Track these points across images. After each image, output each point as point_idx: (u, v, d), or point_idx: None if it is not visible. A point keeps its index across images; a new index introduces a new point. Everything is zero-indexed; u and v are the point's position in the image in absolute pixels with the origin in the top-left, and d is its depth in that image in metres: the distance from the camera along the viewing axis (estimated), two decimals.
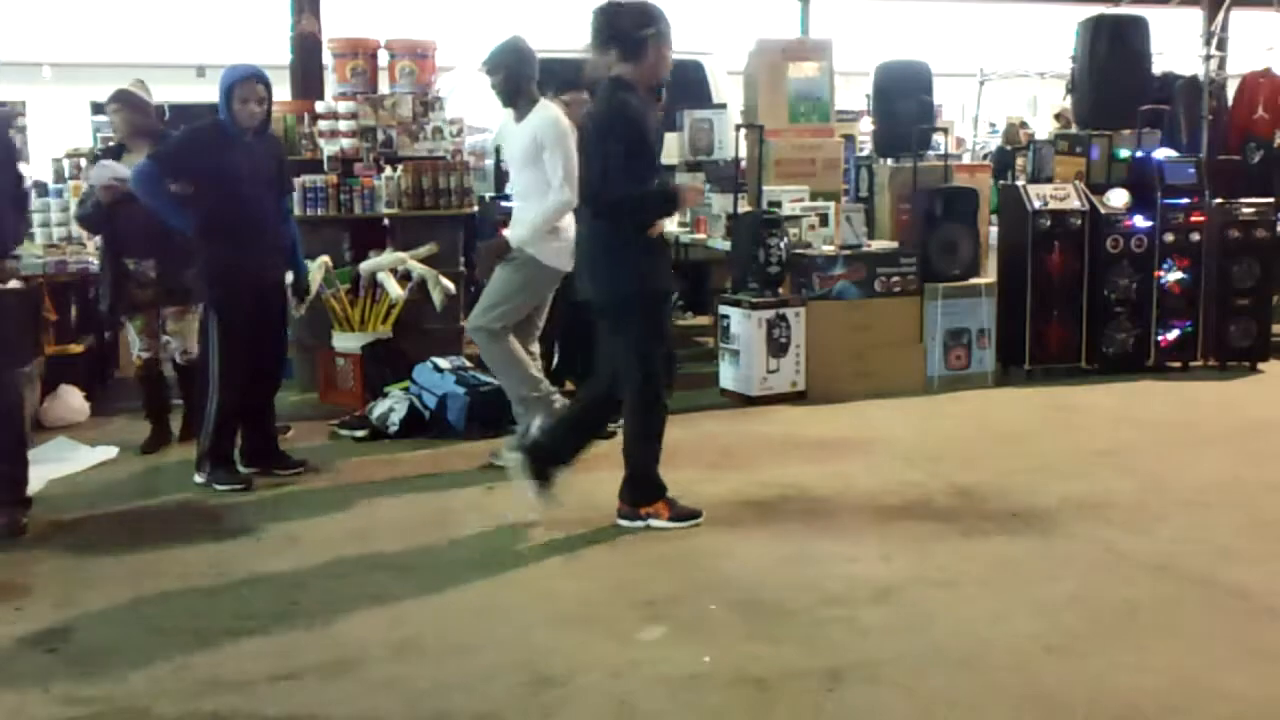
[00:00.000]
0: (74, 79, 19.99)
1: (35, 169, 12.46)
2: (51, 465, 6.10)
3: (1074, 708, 3.54)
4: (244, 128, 5.62)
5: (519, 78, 5.74)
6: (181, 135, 5.96)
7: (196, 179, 5.61)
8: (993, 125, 18.19)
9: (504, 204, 7.19)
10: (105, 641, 4.06)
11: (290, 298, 6.08)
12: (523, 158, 5.74)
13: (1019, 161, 12.67)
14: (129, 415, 7.06)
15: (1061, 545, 4.90)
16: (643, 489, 5.13)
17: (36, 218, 7.86)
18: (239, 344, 5.65)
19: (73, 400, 7.10)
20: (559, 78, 6.30)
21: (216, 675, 3.78)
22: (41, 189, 8.41)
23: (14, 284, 6.98)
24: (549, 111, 5.74)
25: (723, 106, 9.62)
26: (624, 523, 5.11)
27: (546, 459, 5.10)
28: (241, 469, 5.82)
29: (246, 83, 5.58)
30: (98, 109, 20.23)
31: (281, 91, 6.84)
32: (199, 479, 5.78)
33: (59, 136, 13.42)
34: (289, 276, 6.10)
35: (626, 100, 4.88)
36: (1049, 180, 8.35)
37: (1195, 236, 8.00)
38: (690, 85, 9.91)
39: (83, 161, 9.75)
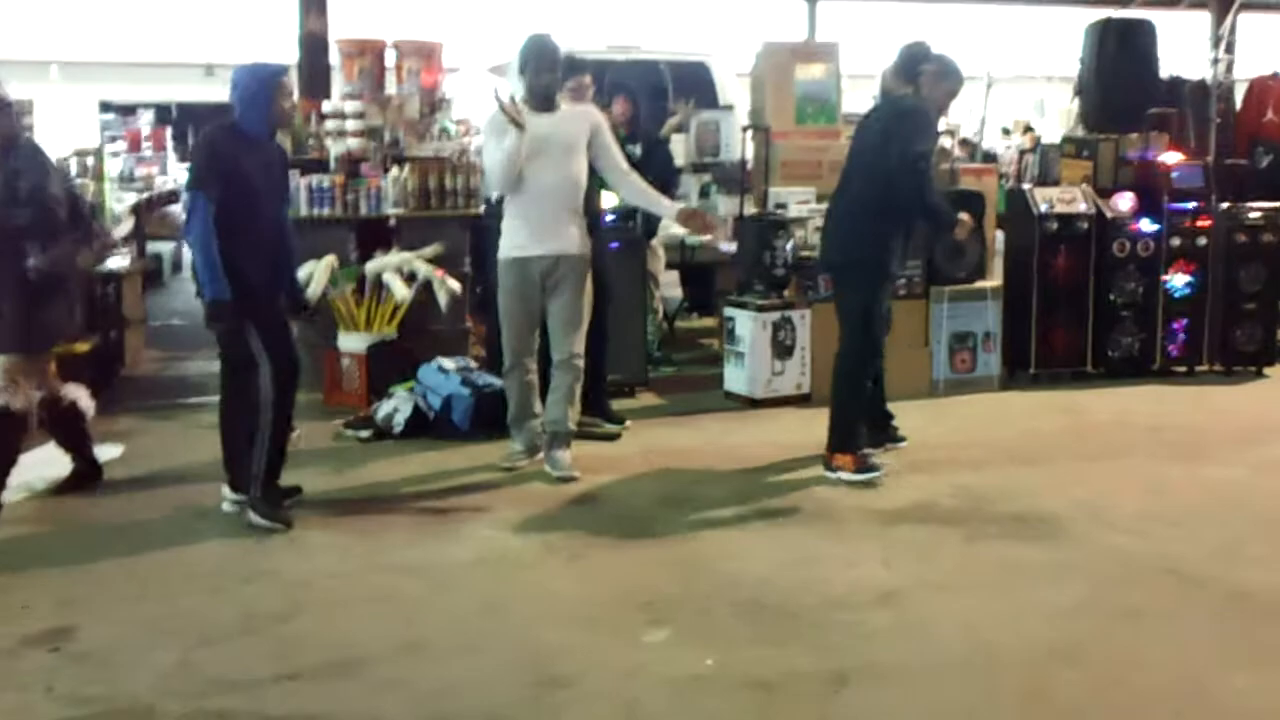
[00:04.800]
0: (82, 78, 20.02)
1: None
2: (54, 465, 6.09)
3: (1080, 712, 3.53)
4: (275, 127, 5.23)
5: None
6: (203, 144, 5.19)
7: (224, 186, 5.05)
8: (1006, 130, 18.13)
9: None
10: (108, 641, 4.05)
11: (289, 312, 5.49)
12: (570, 147, 5.87)
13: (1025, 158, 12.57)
14: (134, 415, 7.11)
15: (1067, 549, 4.89)
16: (840, 436, 5.82)
17: None
18: (283, 351, 5.21)
19: (78, 399, 7.08)
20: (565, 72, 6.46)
21: (220, 675, 3.78)
22: None
23: None
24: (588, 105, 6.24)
25: (729, 108, 9.63)
26: (826, 472, 5.81)
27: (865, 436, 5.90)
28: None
29: (287, 78, 5.20)
30: (105, 108, 20.38)
31: None
32: (234, 498, 5.28)
33: (66, 135, 13.42)
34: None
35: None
36: (1056, 184, 8.32)
37: (1202, 241, 7.98)
38: (697, 86, 9.92)
39: (90, 160, 9.75)
